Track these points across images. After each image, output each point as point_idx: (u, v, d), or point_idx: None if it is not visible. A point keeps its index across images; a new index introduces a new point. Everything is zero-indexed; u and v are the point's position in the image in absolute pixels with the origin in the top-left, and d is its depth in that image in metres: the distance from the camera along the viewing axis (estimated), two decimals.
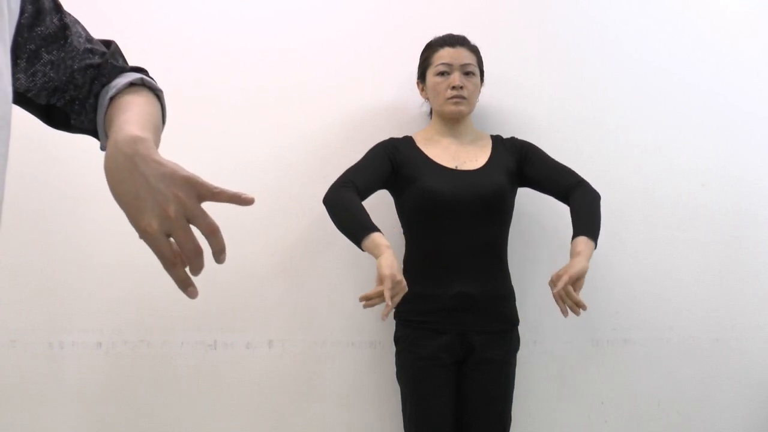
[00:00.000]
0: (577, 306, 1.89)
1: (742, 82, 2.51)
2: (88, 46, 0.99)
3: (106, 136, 0.97)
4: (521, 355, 2.13)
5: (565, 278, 1.87)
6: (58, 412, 2.16)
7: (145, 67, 1.07)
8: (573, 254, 1.95)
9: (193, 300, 0.76)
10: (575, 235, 1.99)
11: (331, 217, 1.99)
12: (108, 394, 2.19)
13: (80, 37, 0.99)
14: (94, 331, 2.18)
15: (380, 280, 1.81)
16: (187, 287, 0.79)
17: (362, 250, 1.91)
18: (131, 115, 0.90)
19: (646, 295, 2.40)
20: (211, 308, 2.22)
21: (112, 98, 0.96)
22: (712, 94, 2.48)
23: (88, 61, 0.98)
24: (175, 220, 0.78)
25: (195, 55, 2.25)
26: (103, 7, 2.15)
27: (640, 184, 2.41)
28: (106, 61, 1.01)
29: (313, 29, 2.34)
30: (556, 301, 1.89)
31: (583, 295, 2.36)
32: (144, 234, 0.79)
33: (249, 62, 2.29)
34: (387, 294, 1.77)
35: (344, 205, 1.97)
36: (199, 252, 0.79)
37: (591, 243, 1.97)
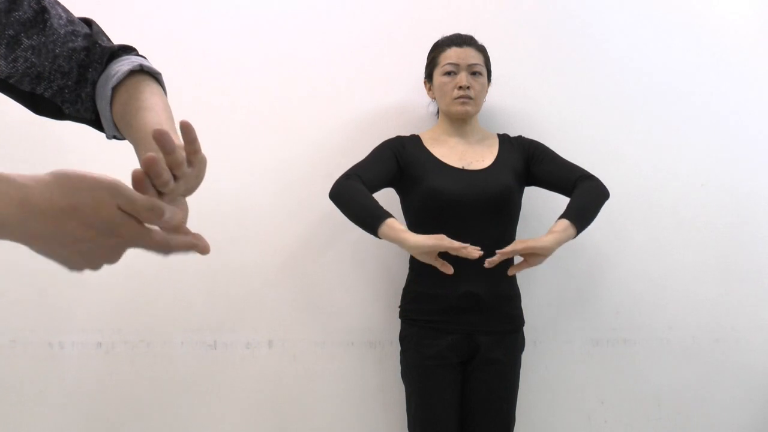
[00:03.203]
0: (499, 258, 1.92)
1: (741, 83, 2.51)
2: (70, 28, 0.97)
3: (116, 127, 0.96)
4: (522, 355, 2.13)
5: (518, 247, 1.93)
6: (58, 412, 2.16)
7: (136, 49, 1.05)
8: (548, 232, 1.98)
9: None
10: (560, 216, 2.00)
11: (340, 209, 1.99)
12: (108, 394, 2.19)
13: (60, 18, 0.96)
14: (94, 331, 2.18)
15: (437, 249, 1.88)
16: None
17: (378, 238, 1.92)
18: (156, 116, 0.88)
19: (646, 295, 2.40)
20: (211, 308, 2.22)
21: (114, 88, 0.94)
22: (712, 95, 2.48)
23: (71, 45, 0.96)
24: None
25: (202, 56, 2.25)
26: (103, 7, 2.15)
27: (640, 184, 2.41)
28: (94, 43, 0.98)
29: (317, 30, 2.34)
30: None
31: (583, 295, 2.38)
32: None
33: (255, 62, 2.29)
34: (459, 245, 1.86)
35: (352, 195, 1.97)
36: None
37: (570, 229, 1.97)
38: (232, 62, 2.28)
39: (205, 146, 0.76)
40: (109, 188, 0.64)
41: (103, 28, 1.05)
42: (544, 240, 1.94)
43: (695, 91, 2.48)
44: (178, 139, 0.80)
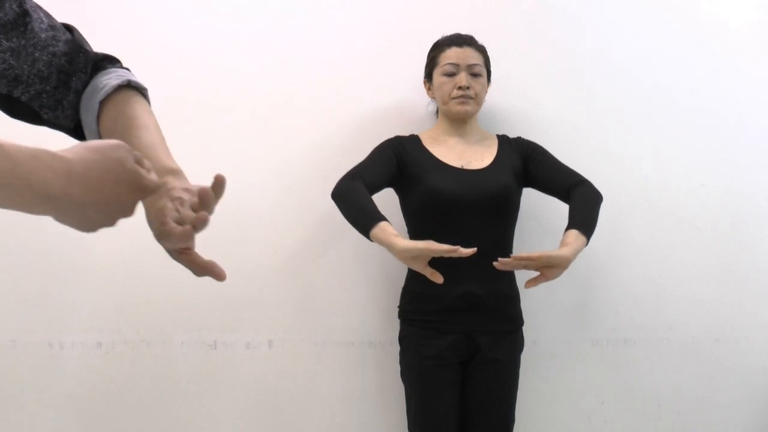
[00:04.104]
0: (511, 263, 1.89)
1: (741, 83, 2.51)
2: (51, 33, 0.96)
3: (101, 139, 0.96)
4: (521, 355, 2.13)
5: (533, 254, 1.88)
6: (58, 412, 2.16)
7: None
8: (561, 245, 1.95)
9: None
10: (567, 228, 1.99)
11: (339, 209, 2.00)
12: (108, 394, 2.18)
13: (42, 23, 0.95)
14: (94, 331, 2.18)
15: (425, 254, 1.84)
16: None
17: (370, 240, 1.92)
18: (150, 135, 0.90)
19: (646, 295, 2.40)
20: (211, 308, 2.22)
21: (101, 101, 0.94)
22: (712, 95, 2.49)
23: (51, 49, 0.95)
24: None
25: (201, 57, 2.24)
26: (107, 9, 2.15)
27: (640, 184, 2.41)
28: (76, 50, 0.98)
29: (317, 30, 2.34)
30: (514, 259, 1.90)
31: (583, 295, 2.38)
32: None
33: (255, 63, 2.29)
34: (448, 248, 1.81)
35: (352, 196, 1.97)
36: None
37: (582, 238, 1.96)
38: (231, 63, 2.27)
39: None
40: (123, 146, 0.74)
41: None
42: (562, 251, 1.91)
43: (695, 91, 2.48)
44: (170, 157, 0.88)
